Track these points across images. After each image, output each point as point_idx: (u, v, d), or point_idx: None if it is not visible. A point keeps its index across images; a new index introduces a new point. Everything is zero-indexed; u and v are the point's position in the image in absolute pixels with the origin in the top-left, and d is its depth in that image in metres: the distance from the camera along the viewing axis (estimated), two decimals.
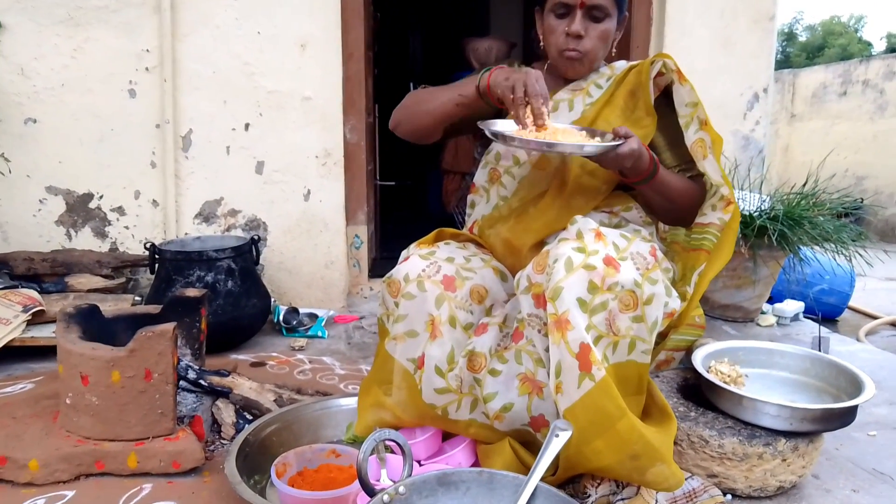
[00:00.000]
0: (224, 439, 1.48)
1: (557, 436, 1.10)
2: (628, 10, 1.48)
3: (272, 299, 2.32)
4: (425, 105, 1.43)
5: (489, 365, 1.26)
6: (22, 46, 2.28)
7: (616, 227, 1.43)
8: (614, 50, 1.50)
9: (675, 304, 1.26)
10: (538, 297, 1.19)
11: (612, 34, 1.44)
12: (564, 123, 1.39)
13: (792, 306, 2.53)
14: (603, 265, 1.14)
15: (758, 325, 2.47)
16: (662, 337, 1.41)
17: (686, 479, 1.24)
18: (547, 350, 1.17)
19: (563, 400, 1.13)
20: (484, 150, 1.58)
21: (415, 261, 1.34)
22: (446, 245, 1.43)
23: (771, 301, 2.60)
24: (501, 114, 1.49)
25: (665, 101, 1.45)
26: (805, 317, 2.60)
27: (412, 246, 1.43)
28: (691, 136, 1.41)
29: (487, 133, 1.30)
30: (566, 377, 1.12)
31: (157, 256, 2.09)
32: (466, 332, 1.31)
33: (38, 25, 2.28)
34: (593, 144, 1.26)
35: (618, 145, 1.24)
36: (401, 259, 1.39)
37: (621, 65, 1.49)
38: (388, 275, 1.36)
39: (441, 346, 1.28)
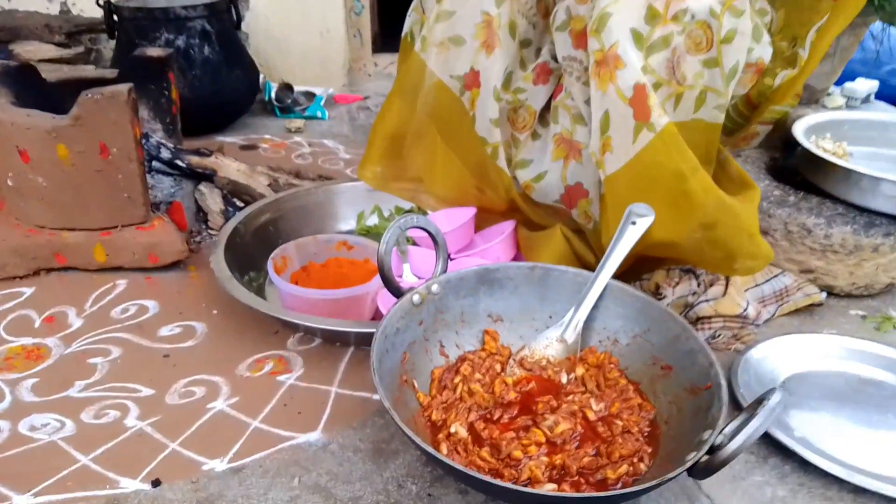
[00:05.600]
0: (212, 230, 1.24)
1: (634, 223, 0.84)
2: None
3: (260, 75, 1.97)
4: None
5: (534, 125, 1.00)
6: None
7: None
8: None
9: (764, 52, 0.94)
10: (579, 34, 0.89)
11: None
12: None
13: (864, 85, 2.15)
14: None
15: (824, 107, 2.13)
16: (753, 109, 1.11)
17: (777, 276, 1.02)
18: (587, 103, 0.89)
19: (612, 160, 0.86)
20: None
21: None
22: None
23: (838, 82, 2.25)
24: None
25: None
26: (876, 100, 2.26)
27: None
28: None
29: None
30: (617, 131, 0.85)
31: (114, 17, 1.71)
32: (520, 52, 0.99)
33: None
34: None
35: None
36: None
37: None
38: None
39: (497, 62, 0.96)
